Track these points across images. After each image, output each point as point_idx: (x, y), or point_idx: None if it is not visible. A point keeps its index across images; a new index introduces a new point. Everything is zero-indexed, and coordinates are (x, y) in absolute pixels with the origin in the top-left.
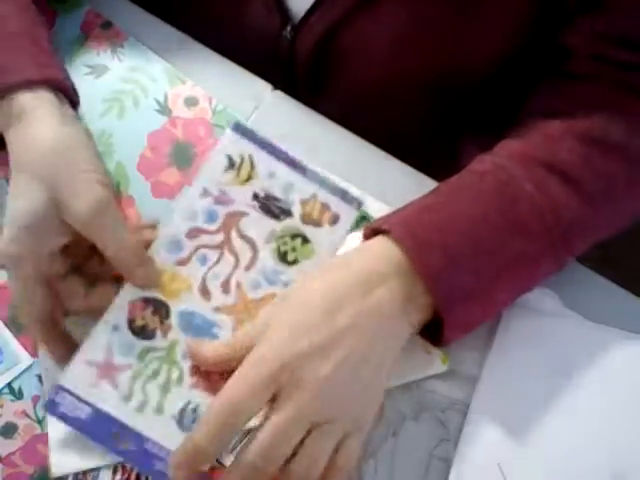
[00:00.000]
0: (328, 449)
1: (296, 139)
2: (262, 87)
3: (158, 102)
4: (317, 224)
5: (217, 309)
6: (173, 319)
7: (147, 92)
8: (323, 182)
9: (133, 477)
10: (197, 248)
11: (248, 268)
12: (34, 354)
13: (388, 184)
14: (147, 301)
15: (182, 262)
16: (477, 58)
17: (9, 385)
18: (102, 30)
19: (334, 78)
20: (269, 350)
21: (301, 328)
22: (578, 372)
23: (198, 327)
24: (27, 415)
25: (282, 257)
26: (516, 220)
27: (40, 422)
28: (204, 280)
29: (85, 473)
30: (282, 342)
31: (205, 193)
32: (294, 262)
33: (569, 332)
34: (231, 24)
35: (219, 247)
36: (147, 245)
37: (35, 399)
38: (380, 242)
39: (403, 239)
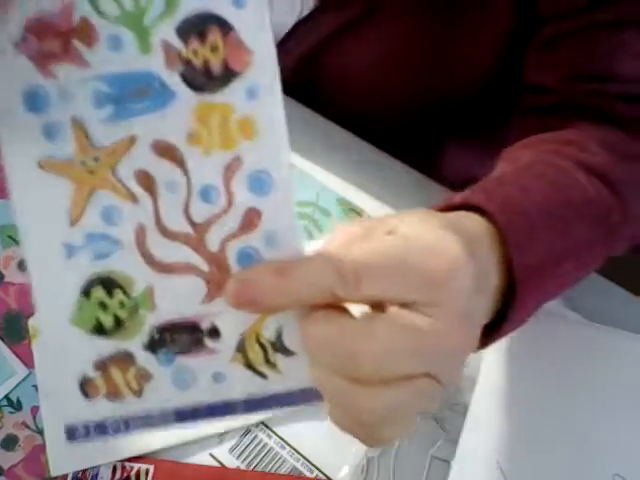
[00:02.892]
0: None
1: (295, 139)
2: None
3: None
4: None
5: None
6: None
7: None
8: None
9: (132, 476)
10: None
11: None
12: (30, 365)
13: (387, 184)
14: None
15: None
16: (459, 79)
17: (7, 397)
18: None
19: (316, 100)
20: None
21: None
22: (578, 372)
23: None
24: (27, 426)
25: None
26: (574, 204)
27: (41, 432)
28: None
29: (84, 472)
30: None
31: None
32: None
33: (569, 332)
34: None
35: None
36: None
37: (34, 410)
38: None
39: (486, 205)
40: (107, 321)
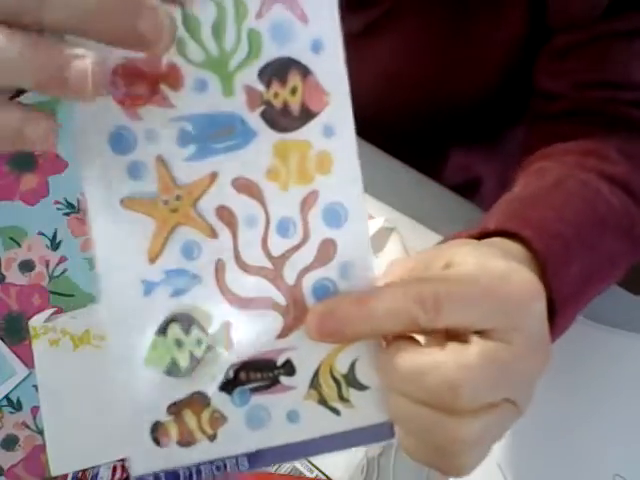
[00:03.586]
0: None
1: None
2: None
3: None
4: None
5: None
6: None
7: None
8: None
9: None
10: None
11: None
12: (30, 365)
13: (387, 184)
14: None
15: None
16: (466, 88)
17: (7, 397)
18: None
19: None
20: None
21: None
22: (578, 372)
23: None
24: (27, 426)
25: None
26: (601, 219)
27: (41, 433)
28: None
29: (84, 472)
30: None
31: None
32: None
33: (569, 332)
34: None
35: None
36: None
37: (34, 410)
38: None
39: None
40: (182, 360)
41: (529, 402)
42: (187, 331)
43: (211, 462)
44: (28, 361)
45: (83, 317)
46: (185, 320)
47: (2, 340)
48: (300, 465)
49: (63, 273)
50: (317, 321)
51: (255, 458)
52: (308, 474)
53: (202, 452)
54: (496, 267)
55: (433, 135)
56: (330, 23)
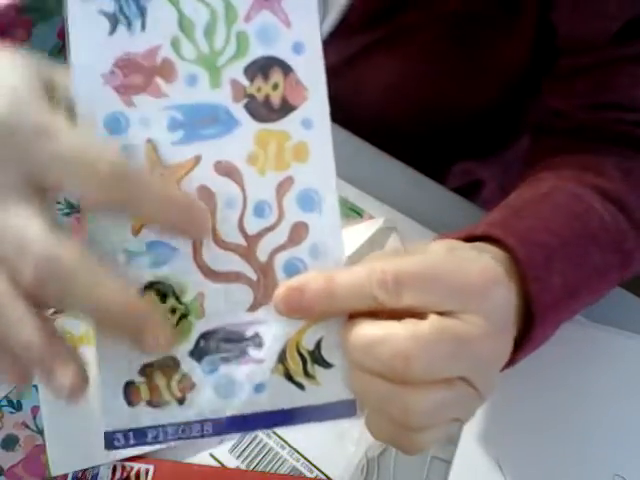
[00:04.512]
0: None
1: None
2: None
3: None
4: None
5: None
6: None
7: None
8: None
9: (132, 476)
10: None
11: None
12: None
13: (387, 184)
14: None
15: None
16: (467, 107)
17: (7, 397)
18: None
19: None
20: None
21: None
22: (579, 372)
23: None
24: (27, 426)
25: None
26: (591, 233)
27: (41, 433)
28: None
29: (84, 472)
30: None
31: None
32: None
33: (569, 332)
34: None
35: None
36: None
37: (34, 410)
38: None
39: (505, 237)
40: None
41: (491, 388)
42: (163, 299)
43: (177, 425)
44: None
45: None
46: (161, 289)
47: None
48: (300, 465)
49: None
50: (284, 295)
51: (219, 425)
52: (308, 474)
53: (170, 414)
54: (466, 255)
55: (434, 144)
56: (311, 27)
